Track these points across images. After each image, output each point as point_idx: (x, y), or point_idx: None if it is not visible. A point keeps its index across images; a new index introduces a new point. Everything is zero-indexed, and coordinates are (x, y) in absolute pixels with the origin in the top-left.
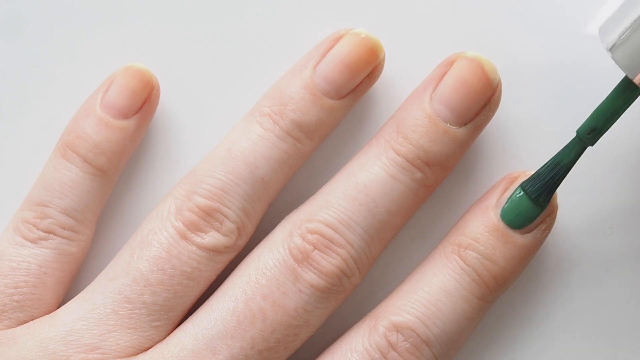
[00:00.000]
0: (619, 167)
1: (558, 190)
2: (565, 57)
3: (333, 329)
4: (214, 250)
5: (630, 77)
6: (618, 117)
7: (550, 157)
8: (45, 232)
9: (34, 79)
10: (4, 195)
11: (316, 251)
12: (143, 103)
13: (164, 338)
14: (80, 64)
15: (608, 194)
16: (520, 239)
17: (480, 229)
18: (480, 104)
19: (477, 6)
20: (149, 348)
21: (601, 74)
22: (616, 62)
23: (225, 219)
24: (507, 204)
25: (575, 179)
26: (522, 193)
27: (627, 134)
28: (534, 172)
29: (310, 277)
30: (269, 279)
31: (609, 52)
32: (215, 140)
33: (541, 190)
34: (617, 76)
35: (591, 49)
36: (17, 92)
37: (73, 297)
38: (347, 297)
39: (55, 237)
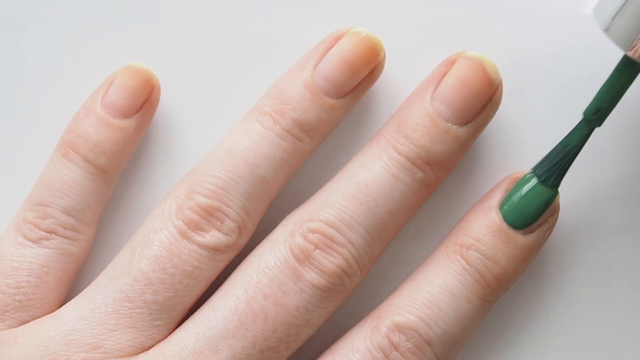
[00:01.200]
0: (621, 166)
1: (560, 190)
2: (567, 55)
3: (335, 329)
4: (214, 249)
5: (626, 53)
6: (621, 96)
7: (559, 141)
8: (47, 232)
9: (34, 80)
10: (5, 196)
11: (317, 250)
12: (143, 103)
13: (166, 337)
14: (80, 64)
15: (610, 194)
16: (522, 239)
17: (482, 229)
18: (481, 104)
19: (478, 5)
20: (151, 347)
21: (602, 71)
22: (613, 40)
23: (226, 217)
24: (509, 204)
25: (577, 178)
26: (533, 179)
27: (630, 133)
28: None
29: (312, 276)
30: (271, 278)
31: (605, 33)
32: (215, 139)
33: (551, 172)
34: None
35: (593, 46)
36: (18, 92)
37: (74, 297)
38: (349, 296)
39: (57, 236)
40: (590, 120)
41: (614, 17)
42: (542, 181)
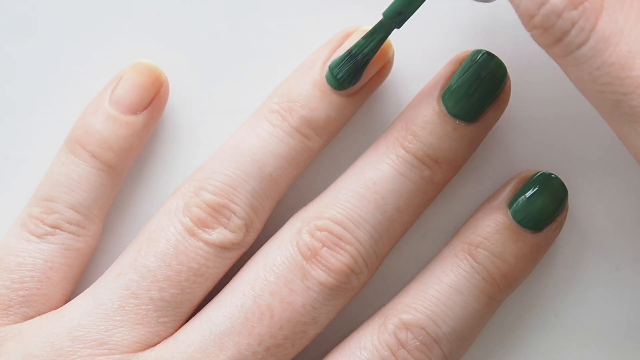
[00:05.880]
0: (629, 165)
1: (569, 189)
2: None
3: (343, 327)
4: (221, 247)
5: None
6: (421, 3)
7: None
8: (52, 227)
9: (43, 77)
10: (14, 192)
11: (325, 248)
12: (152, 99)
13: (172, 334)
14: (89, 61)
15: (618, 192)
16: (530, 237)
17: (490, 228)
18: (489, 101)
19: (485, 5)
20: (157, 344)
21: None
22: None
23: (232, 215)
24: (517, 202)
25: (585, 177)
26: (540, 178)
27: None
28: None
29: (319, 274)
30: (277, 276)
31: None
32: (224, 137)
33: (348, 73)
34: None
35: None
36: (27, 89)
37: (80, 293)
38: (356, 295)
39: (62, 232)
40: (390, 22)
41: None
42: (339, 81)
